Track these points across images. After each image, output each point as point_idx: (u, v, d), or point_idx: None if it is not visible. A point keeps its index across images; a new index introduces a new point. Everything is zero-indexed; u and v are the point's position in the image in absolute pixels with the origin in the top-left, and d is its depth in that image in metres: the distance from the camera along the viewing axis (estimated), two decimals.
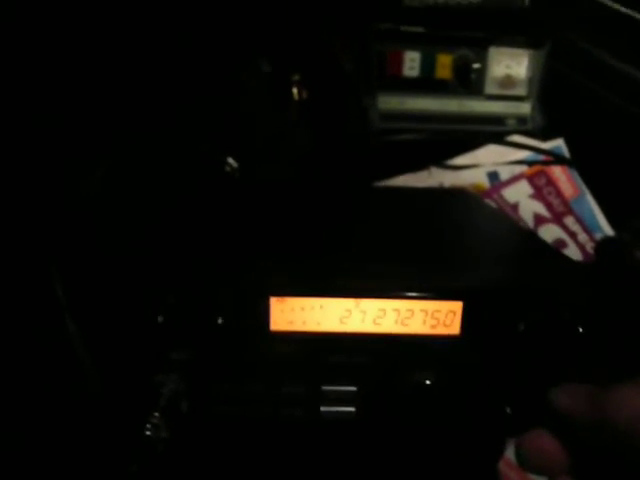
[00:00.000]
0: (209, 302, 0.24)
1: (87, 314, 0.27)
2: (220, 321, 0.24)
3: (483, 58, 0.58)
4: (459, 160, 0.60)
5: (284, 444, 0.27)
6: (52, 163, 0.41)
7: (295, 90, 0.64)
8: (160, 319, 0.24)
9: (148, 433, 0.23)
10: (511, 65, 0.60)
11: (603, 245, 0.50)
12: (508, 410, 0.26)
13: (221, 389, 0.25)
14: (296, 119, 0.64)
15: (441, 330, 0.26)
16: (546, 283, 0.26)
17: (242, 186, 0.46)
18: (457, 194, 0.49)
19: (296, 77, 0.64)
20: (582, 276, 0.29)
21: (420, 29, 0.55)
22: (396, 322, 0.26)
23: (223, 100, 0.62)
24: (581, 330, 0.25)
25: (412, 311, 0.26)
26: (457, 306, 0.26)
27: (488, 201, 0.57)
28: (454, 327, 0.26)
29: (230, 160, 0.58)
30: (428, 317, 0.26)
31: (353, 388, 0.26)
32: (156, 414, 0.24)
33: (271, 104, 0.64)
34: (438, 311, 0.26)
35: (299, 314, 0.26)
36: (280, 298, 0.25)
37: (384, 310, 0.26)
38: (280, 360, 0.26)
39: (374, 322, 0.26)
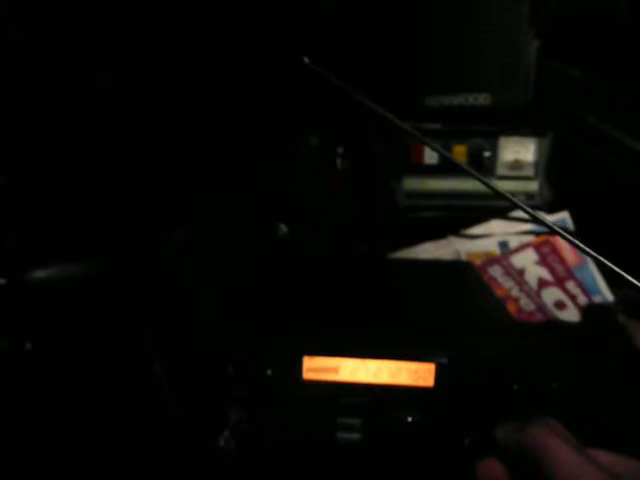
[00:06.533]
0: (260, 360, 0.37)
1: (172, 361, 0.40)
2: (269, 372, 0.37)
3: (494, 146, 0.70)
4: (474, 230, 0.71)
5: (309, 462, 0.39)
6: (135, 228, 0.56)
7: (339, 161, 0.77)
8: (229, 370, 0.37)
9: (221, 444, 0.36)
10: (519, 151, 0.71)
11: (590, 309, 0.59)
12: (467, 441, 0.37)
13: (268, 418, 0.38)
14: (339, 189, 0.77)
15: (420, 383, 0.37)
16: (492, 353, 0.38)
17: (291, 258, 0.59)
18: (458, 267, 0.60)
19: (340, 150, 0.77)
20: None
21: (438, 126, 0.67)
22: (389, 376, 0.38)
23: (278, 168, 0.76)
24: (515, 387, 0.36)
25: (400, 369, 0.38)
26: (431, 367, 0.37)
27: (497, 267, 0.68)
28: (429, 381, 0.37)
29: (282, 225, 0.72)
30: (411, 373, 0.37)
31: (359, 420, 0.38)
32: (226, 432, 0.36)
33: (319, 174, 0.78)
34: (418, 370, 0.37)
35: (323, 368, 0.38)
36: (310, 357, 0.38)
37: (381, 367, 0.38)
38: (309, 400, 0.38)
39: (374, 375, 0.38)
